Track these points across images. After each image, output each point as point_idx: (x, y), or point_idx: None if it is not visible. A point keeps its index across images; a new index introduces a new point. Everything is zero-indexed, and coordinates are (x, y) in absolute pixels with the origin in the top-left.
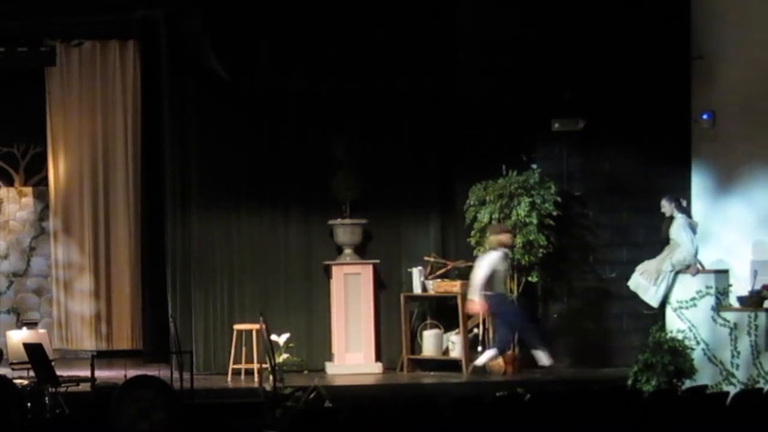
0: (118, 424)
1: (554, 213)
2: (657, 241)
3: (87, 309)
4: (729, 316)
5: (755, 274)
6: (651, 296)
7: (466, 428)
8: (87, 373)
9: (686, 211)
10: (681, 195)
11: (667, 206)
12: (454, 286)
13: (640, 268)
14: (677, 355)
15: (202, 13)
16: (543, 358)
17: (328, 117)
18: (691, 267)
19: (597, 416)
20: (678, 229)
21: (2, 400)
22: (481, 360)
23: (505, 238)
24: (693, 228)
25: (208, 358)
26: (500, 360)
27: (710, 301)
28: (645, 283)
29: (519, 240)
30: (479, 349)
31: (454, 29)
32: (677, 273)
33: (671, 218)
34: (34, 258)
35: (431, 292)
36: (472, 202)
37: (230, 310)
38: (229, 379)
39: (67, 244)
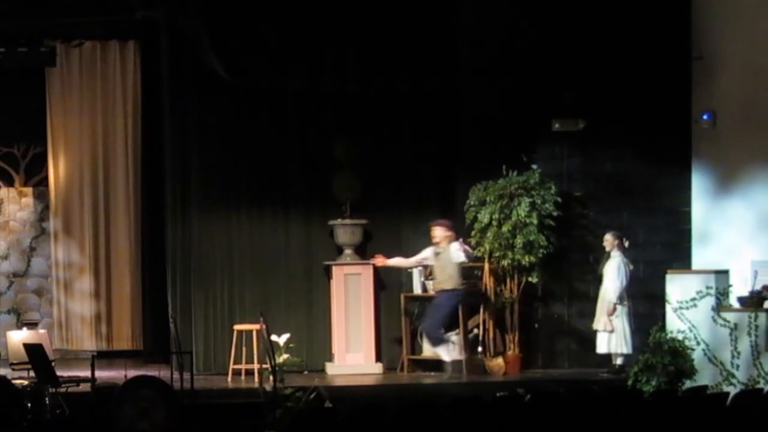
0: (118, 424)
1: (554, 213)
2: (657, 242)
3: (87, 309)
4: (729, 316)
5: (755, 274)
6: (615, 344)
7: (466, 428)
8: (87, 373)
9: (626, 252)
10: (680, 196)
11: (609, 240)
12: None
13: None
14: (677, 355)
15: (202, 13)
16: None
17: (328, 117)
18: (609, 304)
19: (597, 416)
20: (609, 266)
21: (2, 400)
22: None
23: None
24: (627, 269)
25: (208, 359)
26: (500, 360)
27: (710, 301)
28: (605, 335)
29: (519, 240)
30: (479, 349)
31: (455, 29)
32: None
33: (609, 254)
34: (34, 258)
35: (431, 293)
36: (472, 203)
37: (230, 311)
38: (229, 379)
39: (67, 245)
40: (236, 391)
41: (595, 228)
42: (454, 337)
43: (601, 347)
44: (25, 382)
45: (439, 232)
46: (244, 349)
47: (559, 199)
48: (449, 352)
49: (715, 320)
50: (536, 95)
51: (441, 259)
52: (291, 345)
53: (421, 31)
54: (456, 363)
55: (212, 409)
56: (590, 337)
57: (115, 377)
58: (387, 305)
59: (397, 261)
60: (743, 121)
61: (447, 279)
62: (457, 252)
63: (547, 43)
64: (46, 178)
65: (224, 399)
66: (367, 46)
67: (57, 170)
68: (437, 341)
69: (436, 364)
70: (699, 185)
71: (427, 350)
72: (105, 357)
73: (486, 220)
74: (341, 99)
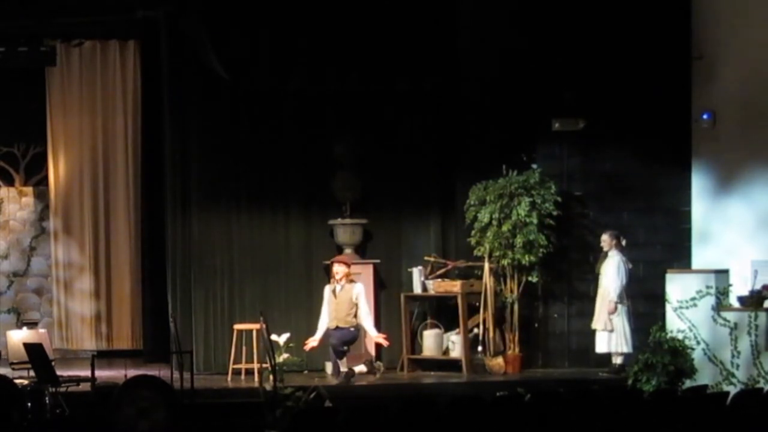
0: (118, 424)
1: (554, 213)
2: (657, 241)
3: (87, 309)
4: (729, 316)
5: (755, 274)
6: (615, 343)
7: (466, 428)
8: (87, 372)
9: (624, 250)
10: (680, 196)
11: (607, 241)
12: (454, 286)
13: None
14: (677, 355)
15: (202, 13)
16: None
17: (328, 117)
18: (611, 303)
19: (597, 416)
20: (608, 265)
21: (2, 400)
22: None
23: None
24: (626, 267)
25: (208, 358)
26: (500, 359)
27: (710, 300)
28: (605, 334)
29: (519, 240)
30: (479, 348)
31: (454, 29)
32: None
33: (606, 254)
34: (34, 258)
35: (431, 292)
36: (472, 202)
37: (230, 310)
38: (229, 379)
39: (67, 244)
40: (236, 390)
41: (595, 228)
42: (454, 336)
43: (601, 346)
44: (25, 382)
45: (340, 269)
46: (244, 348)
47: (559, 199)
48: (345, 363)
49: (715, 320)
50: (536, 95)
51: (339, 296)
52: (291, 345)
53: (421, 31)
54: (348, 372)
55: (212, 409)
56: (590, 337)
57: (115, 377)
58: (387, 305)
59: (321, 332)
60: (743, 121)
61: (342, 318)
62: (358, 293)
63: (547, 43)
64: (46, 178)
65: (224, 399)
66: (367, 46)
67: (57, 170)
68: (341, 354)
69: (436, 364)
70: (699, 185)
71: (427, 350)
72: (105, 357)
73: (486, 220)
74: (341, 99)
